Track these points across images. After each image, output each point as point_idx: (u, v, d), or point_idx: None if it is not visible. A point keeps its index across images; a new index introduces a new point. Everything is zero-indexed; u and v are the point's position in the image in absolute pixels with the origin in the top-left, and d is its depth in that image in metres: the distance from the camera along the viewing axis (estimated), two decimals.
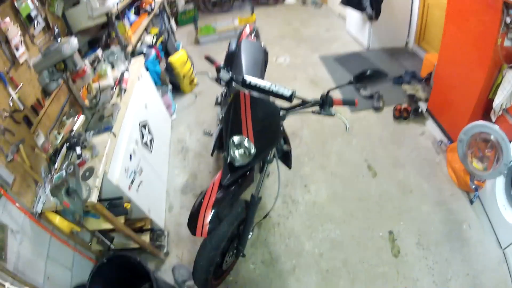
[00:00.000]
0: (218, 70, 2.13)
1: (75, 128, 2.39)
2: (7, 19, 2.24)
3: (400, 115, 3.67)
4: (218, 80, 2.13)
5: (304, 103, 1.90)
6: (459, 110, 3.05)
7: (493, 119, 2.59)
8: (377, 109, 3.85)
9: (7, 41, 2.21)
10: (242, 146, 1.78)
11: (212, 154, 2.51)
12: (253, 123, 1.82)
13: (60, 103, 2.71)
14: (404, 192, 2.92)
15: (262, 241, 2.68)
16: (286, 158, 2.32)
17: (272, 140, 1.90)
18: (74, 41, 2.25)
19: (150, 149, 3.01)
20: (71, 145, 2.21)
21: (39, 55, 2.25)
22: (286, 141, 2.41)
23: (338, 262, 2.49)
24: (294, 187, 3.08)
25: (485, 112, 2.78)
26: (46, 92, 2.49)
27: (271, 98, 1.95)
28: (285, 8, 7.69)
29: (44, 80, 2.23)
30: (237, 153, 1.78)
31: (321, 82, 4.42)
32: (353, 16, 5.29)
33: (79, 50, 3.06)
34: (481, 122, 2.41)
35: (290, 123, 3.69)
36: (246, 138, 1.77)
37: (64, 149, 2.26)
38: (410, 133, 3.51)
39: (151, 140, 3.06)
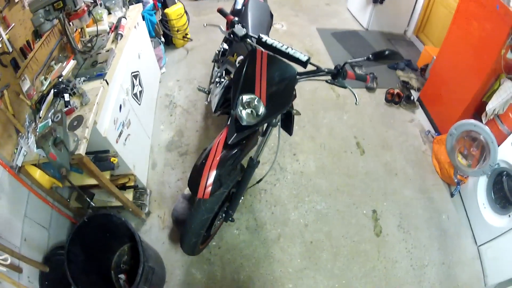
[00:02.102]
0: (232, 24, 1.99)
1: (64, 73, 2.25)
2: None
3: (392, 99, 3.68)
4: (231, 34, 1.99)
5: (318, 71, 1.80)
6: (451, 105, 3.10)
7: (484, 121, 2.66)
8: (370, 90, 3.84)
9: None
10: (250, 106, 1.68)
11: (214, 111, 2.39)
12: (268, 83, 1.72)
13: (50, 47, 2.54)
14: (389, 174, 2.96)
15: (248, 207, 2.64)
16: (287, 124, 2.22)
17: (284, 103, 1.79)
18: None
19: (139, 101, 2.89)
20: (58, 91, 2.06)
21: None
22: (292, 106, 2.33)
23: (322, 234, 2.50)
24: (283, 154, 3.03)
25: (476, 112, 2.86)
26: (36, 35, 2.35)
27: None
28: None
29: (38, 19, 2.05)
30: (244, 112, 1.68)
31: (317, 54, 4.32)
32: None
33: None
34: (473, 121, 2.47)
35: None
36: (257, 98, 1.66)
37: (50, 96, 2.10)
38: (400, 118, 3.54)
39: (140, 92, 2.94)
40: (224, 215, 2.18)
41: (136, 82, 2.85)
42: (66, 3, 2.06)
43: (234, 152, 1.73)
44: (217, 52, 2.89)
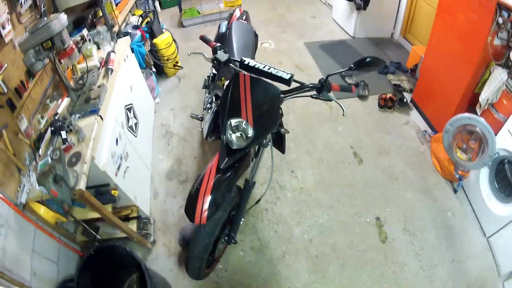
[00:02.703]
0: (214, 50, 2.03)
1: (59, 111, 2.28)
2: None
3: (385, 104, 3.70)
4: (214, 61, 2.03)
5: (302, 87, 1.84)
6: (444, 102, 3.11)
7: (479, 112, 2.66)
8: (362, 97, 3.87)
9: None
10: (239, 129, 1.71)
11: (206, 138, 2.43)
12: (253, 105, 1.75)
13: (44, 86, 2.56)
14: (389, 179, 2.96)
15: (251, 228, 2.65)
16: (279, 142, 2.24)
17: (271, 124, 1.81)
18: (63, 18, 2.13)
19: (135, 133, 2.92)
20: (55, 129, 2.10)
21: (26, 34, 2.14)
22: (281, 125, 2.33)
23: (327, 247, 2.49)
24: (281, 173, 3.05)
25: (470, 105, 2.86)
26: (30, 74, 2.37)
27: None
28: None
29: (29, 60, 2.11)
30: (234, 136, 1.71)
31: (307, 68, 4.37)
32: (339, 4, 5.25)
33: None
34: (467, 114, 2.48)
35: None
36: (245, 121, 1.69)
37: (48, 134, 2.14)
38: (395, 122, 3.55)
39: (136, 124, 2.97)
40: (226, 238, 2.20)
41: (131, 115, 2.89)
42: (55, 42, 2.12)
43: (227, 175, 1.75)
44: (206, 78, 2.95)
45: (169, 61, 4.36)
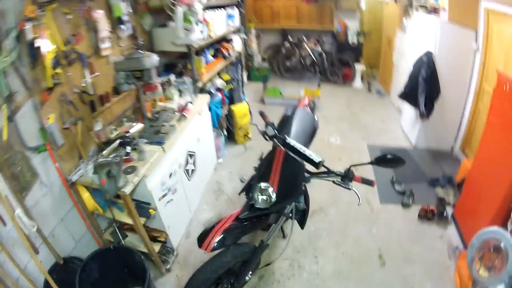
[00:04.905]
0: (266, 125, 2.42)
1: (131, 131, 2.64)
2: (100, 11, 2.49)
3: (425, 215, 3.75)
4: (264, 133, 2.43)
5: (328, 172, 2.14)
6: (480, 217, 3.02)
7: (509, 227, 2.57)
8: (406, 206, 3.95)
9: (96, 31, 2.49)
10: (266, 193, 2.03)
11: (240, 193, 2.78)
12: (281, 175, 2.09)
13: (125, 106, 2.97)
14: (405, 287, 3.01)
15: None
16: (301, 218, 2.49)
17: (292, 194, 2.11)
18: (155, 58, 2.50)
19: (189, 177, 3.30)
20: (123, 143, 2.45)
21: (122, 57, 2.51)
22: (306, 201, 2.63)
23: None
24: (305, 255, 3.28)
25: (505, 222, 2.73)
26: (116, 91, 2.78)
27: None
28: (350, 90, 7.93)
29: (119, 79, 2.48)
30: (260, 197, 2.03)
31: (362, 169, 4.40)
32: (408, 111, 5.35)
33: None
34: (494, 227, 2.38)
35: (320, 198, 3.95)
36: (271, 187, 2.03)
37: (116, 143, 2.47)
38: (430, 234, 3.57)
39: (192, 170, 3.37)
40: (229, 286, 2.34)
41: (191, 161, 3.25)
42: (143, 75, 2.47)
43: (242, 225, 2.08)
44: (263, 152, 3.25)
45: (241, 130, 4.78)
